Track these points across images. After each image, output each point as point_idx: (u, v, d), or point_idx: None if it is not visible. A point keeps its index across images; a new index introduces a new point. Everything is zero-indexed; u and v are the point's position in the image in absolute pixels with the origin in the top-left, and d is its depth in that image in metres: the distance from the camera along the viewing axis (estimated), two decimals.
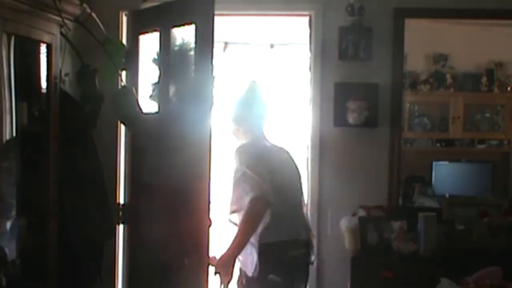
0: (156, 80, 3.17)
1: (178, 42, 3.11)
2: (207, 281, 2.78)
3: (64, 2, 2.59)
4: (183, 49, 3.07)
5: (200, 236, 2.75)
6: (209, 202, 2.72)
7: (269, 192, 2.97)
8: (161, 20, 3.09)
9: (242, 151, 3.14)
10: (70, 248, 2.74)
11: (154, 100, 3.20)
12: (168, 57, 3.08)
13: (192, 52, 2.94)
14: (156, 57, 3.17)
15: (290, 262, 3.09)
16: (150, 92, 3.27)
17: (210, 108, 2.77)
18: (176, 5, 2.99)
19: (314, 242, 3.32)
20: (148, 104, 3.22)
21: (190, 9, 2.88)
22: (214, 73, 2.77)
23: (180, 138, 2.91)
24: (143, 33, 3.27)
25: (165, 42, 3.06)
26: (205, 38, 2.78)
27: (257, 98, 3.29)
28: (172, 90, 3.10)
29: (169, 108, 3.08)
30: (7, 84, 2.37)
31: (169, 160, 2.95)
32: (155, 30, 3.13)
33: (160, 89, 3.13)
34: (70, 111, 2.83)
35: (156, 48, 3.14)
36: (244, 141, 3.23)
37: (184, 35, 3.05)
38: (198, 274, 2.78)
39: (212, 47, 2.75)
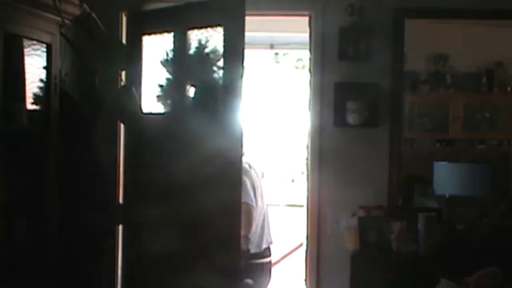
0: (165, 81, 3.17)
1: (194, 44, 3.09)
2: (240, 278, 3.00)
3: (64, 2, 2.59)
4: (200, 50, 3.07)
5: (233, 236, 2.88)
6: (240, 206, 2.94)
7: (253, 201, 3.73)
8: (175, 21, 3.06)
9: None
10: (70, 248, 2.74)
11: (162, 101, 3.19)
12: (184, 58, 3.06)
13: (210, 55, 2.96)
14: (165, 58, 3.16)
15: (262, 268, 3.92)
16: (157, 93, 3.26)
17: (241, 109, 2.83)
18: (195, 7, 2.98)
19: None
20: (154, 105, 3.22)
21: (216, 11, 2.86)
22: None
23: (201, 139, 2.90)
24: (147, 34, 3.25)
25: (181, 44, 3.05)
26: (236, 41, 2.79)
27: None
28: (187, 91, 3.10)
29: (184, 109, 3.06)
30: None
31: (187, 160, 2.94)
32: (165, 32, 3.11)
33: (174, 91, 3.12)
34: (70, 111, 2.83)
35: (165, 49, 3.12)
36: None
37: (202, 37, 3.04)
38: (232, 270, 2.88)
39: (243, 49, 2.79)
